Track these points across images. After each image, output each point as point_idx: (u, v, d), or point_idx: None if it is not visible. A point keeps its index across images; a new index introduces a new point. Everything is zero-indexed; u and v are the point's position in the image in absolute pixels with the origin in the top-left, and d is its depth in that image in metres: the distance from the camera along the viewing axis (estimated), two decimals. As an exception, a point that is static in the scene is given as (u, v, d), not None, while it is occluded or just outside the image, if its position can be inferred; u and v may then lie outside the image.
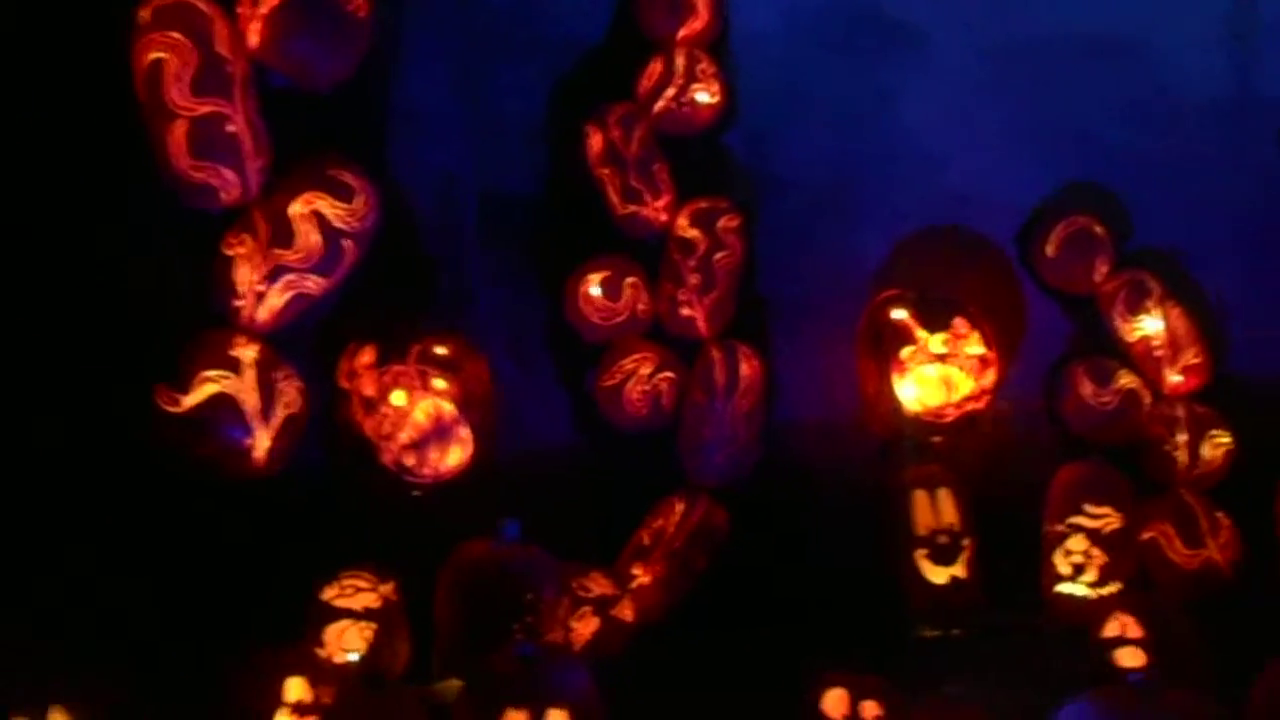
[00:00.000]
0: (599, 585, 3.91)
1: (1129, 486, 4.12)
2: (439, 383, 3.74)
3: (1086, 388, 4.34)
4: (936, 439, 4.34)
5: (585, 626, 3.87)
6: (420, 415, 3.71)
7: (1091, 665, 3.59)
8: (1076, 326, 4.57)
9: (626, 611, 3.96)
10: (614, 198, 4.36)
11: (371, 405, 3.72)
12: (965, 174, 4.68)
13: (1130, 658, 3.52)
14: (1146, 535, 4.24)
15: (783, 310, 4.73)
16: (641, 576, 4.17)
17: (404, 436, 3.72)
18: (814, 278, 4.73)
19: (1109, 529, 4.01)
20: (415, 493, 3.81)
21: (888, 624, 4.16)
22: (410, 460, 3.73)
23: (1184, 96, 4.64)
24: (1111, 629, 3.56)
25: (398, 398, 3.71)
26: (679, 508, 4.25)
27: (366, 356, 3.74)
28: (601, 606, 3.90)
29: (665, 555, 4.20)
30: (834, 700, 3.36)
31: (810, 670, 3.46)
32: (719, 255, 4.38)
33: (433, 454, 3.74)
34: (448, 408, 3.74)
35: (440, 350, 3.76)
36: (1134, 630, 3.51)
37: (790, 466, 4.56)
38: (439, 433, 3.74)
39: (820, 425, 4.62)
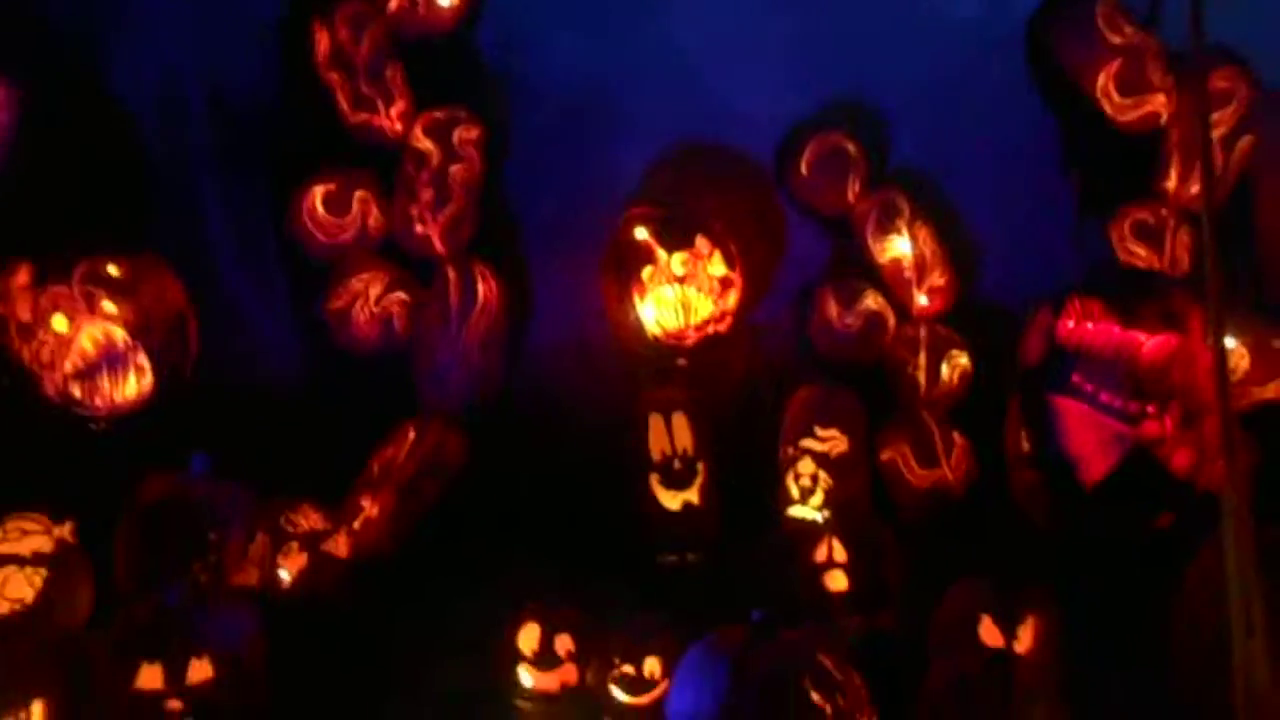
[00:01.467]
0: (308, 519, 3.23)
1: (860, 409, 3.60)
2: (109, 306, 2.96)
3: (832, 309, 3.78)
4: (678, 362, 3.76)
5: (292, 563, 3.21)
6: (86, 342, 2.94)
7: (806, 589, 3.13)
8: (832, 247, 4.02)
9: (340, 546, 3.29)
10: (344, 104, 3.60)
11: (28, 331, 2.94)
12: (728, 88, 3.97)
13: (835, 581, 3.05)
14: (885, 456, 3.76)
15: (538, 228, 4.05)
16: (369, 509, 3.52)
17: (68, 365, 2.95)
18: (571, 194, 4.00)
19: (836, 452, 3.49)
20: (95, 426, 3.06)
21: (626, 551, 3.62)
22: (78, 391, 2.97)
23: (945, 14, 4.03)
24: (820, 553, 3.08)
25: (59, 323, 2.93)
26: (410, 435, 3.60)
27: (21, 276, 2.94)
28: (310, 542, 3.23)
29: (395, 486, 3.55)
30: (527, 635, 2.81)
31: (513, 605, 2.92)
32: (455, 168, 3.64)
33: (104, 384, 2.98)
34: (119, 333, 2.98)
35: (112, 269, 2.96)
36: (840, 554, 3.04)
37: (540, 391, 3.94)
38: (109, 361, 2.97)
39: (574, 348, 3.99)
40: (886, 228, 3.65)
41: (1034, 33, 3.62)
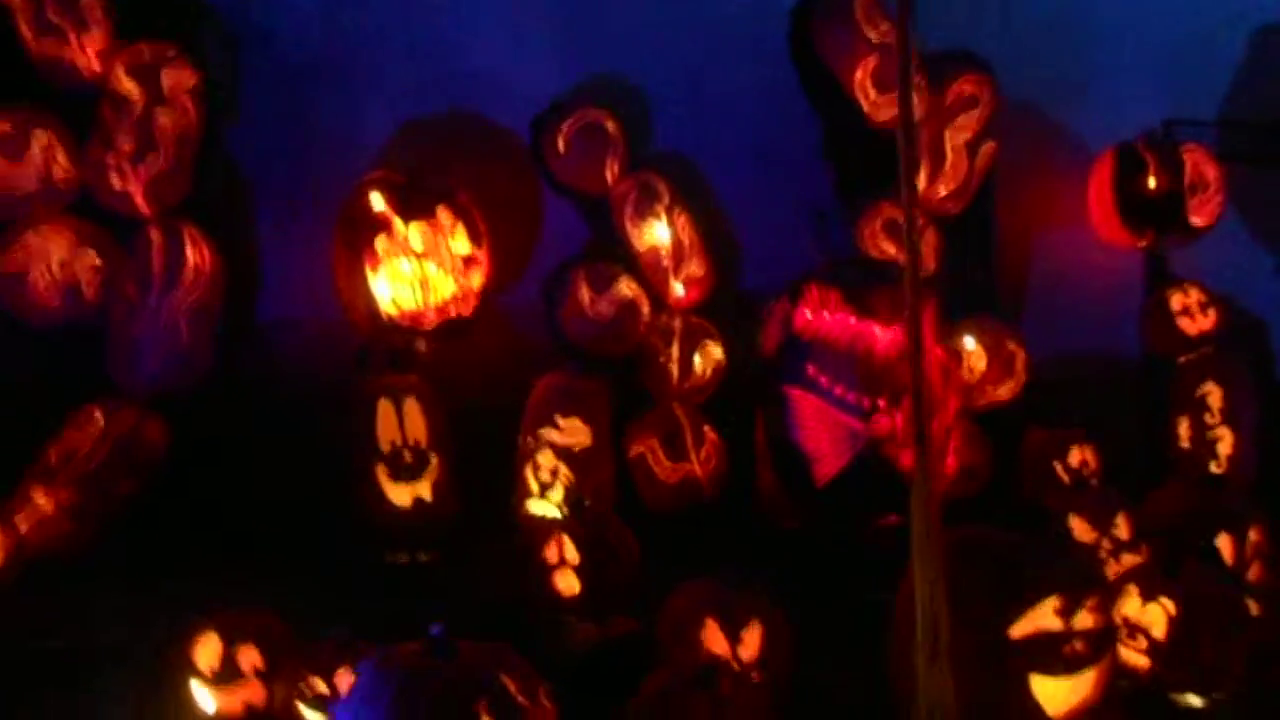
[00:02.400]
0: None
1: (606, 399, 3.27)
2: None
3: (584, 294, 3.44)
4: (419, 344, 3.32)
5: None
6: None
7: (536, 590, 2.77)
8: (591, 229, 3.68)
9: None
10: (26, 31, 2.94)
11: None
12: (486, 56, 3.56)
13: (567, 583, 2.71)
14: (635, 449, 3.46)
15: (272, 193, 3.50)
16: (43, 503, 2.89)
17: None
18: (311, 157, 3.49)
19: (578, 444, 3.15)
20: None
21: (353, 550, 3.16)
22: None
23: (714, 1, 3.76)
24: (551, 553, 2.73)
25: None
26: (98, 419, 2.99)
27: None
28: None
29: (77, 477, 2.94)
30: (206, 648, 2.32)
31: (195, 613, 2.41)
32: (163, 117, 3.05)
33: None
34: None
35: None
36: (572, 554, 2.70)
37: (265, 373, 3.41)
38: None
39: (307, 327, 3.48)
40: (645, 212, 3.33)
41: (796, 25, 3.39)
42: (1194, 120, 3.78)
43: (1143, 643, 2.16)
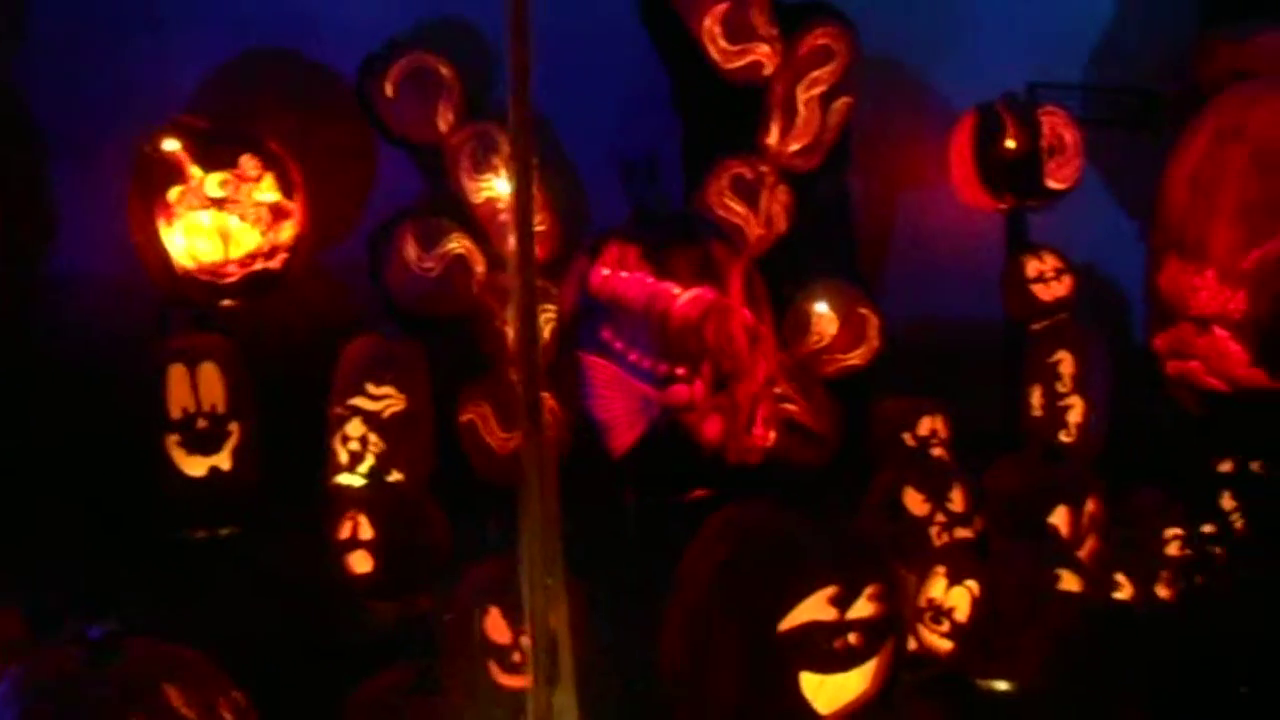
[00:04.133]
0: None
1: (422, 363, 3.00)
2: None
3: (410, 250, 3.16)
4: (225, 302, 3.00)
5: None
6: None
7: (328, 572, 2.51)
8: (428, 183, 3.38)
9: None
10: None
11: None
12: (313, -9, 3.24)
13: (361, 563, 2.45)
14: (465, 416, 3.20)
15: (65, 141, 3.14)
16: None
17: None
18: (111, 103, 3.14)
19: (390, 412, 2.88)
20: None
21: (142, 524, 2.84)
22: None
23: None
24: (345, 530, 2.47)
25: None
26: None
27: None
28: None
29: None
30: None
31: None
32: (-83, 45, 2.67)
33: None
34: None
35: None
36: (366, 531, 2.44)
37: (56, 334, 3.06)
38: None
39: (108, 284, 3.13)
40: (482, 165, 3.04)
41: (645, -29, 3.13)
42: (1058, 83, 3.63)
43: (945, 626, 1.98)
